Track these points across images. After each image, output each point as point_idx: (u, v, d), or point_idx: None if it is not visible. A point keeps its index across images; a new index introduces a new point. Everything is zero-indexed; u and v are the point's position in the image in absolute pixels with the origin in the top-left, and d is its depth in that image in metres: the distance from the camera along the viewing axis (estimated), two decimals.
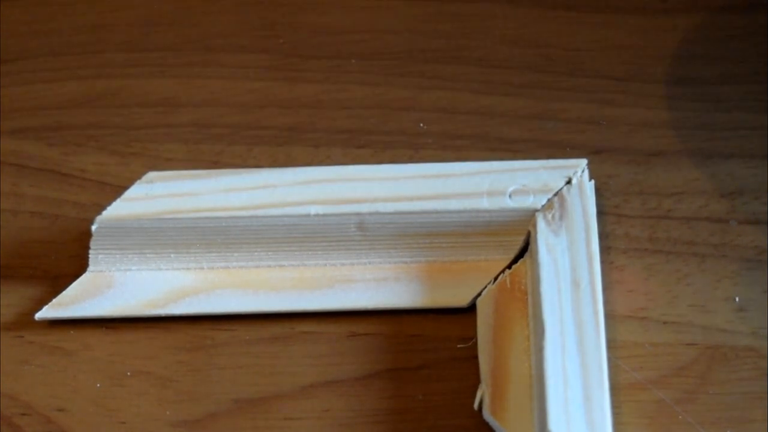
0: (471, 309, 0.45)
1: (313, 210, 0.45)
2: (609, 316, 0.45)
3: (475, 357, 0.44)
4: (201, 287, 0.46)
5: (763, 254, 0.46)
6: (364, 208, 0.45)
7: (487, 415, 0.43)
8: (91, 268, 0.46)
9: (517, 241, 0.45)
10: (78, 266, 0.47)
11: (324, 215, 0.45)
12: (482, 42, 0.52)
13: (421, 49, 0.52)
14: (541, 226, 0.44)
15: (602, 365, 0.41)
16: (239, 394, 0.45)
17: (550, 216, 0.45)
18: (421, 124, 0.50)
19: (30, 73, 0.52)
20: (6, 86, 0.52)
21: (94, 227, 0.45)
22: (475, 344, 0.44)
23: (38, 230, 0.48)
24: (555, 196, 0.45)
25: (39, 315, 0.46)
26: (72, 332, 0.46)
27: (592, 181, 0.45)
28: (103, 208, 0.45)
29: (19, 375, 0.45)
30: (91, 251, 0.46)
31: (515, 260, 0.46)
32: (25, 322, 0.46)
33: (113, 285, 0.46)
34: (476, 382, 0.44)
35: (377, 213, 0.45)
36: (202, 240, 0.46)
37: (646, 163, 0.48)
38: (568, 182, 0.45)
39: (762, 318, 0.45)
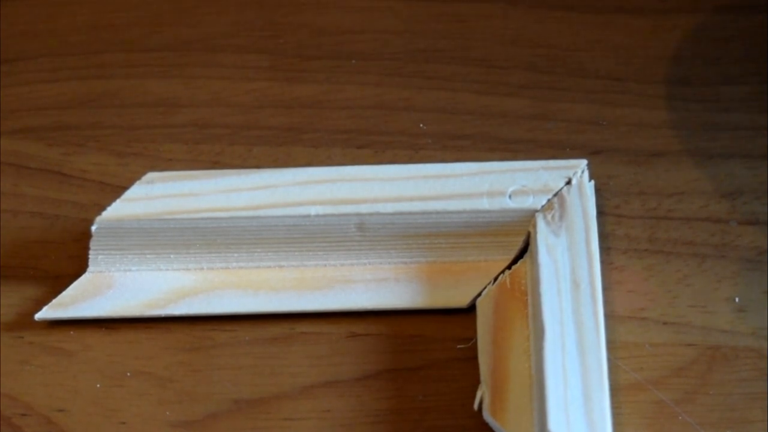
0: (471, 309, 0.45)
1: (313, 210, 0.45)
2: (609, 317, 0.45)
3: (475, 357, 0.44)
4: (201, 288, 0.46)
5: (764, 255, 0.46)
6: (364, 208, 0.45)
7: (487, 415, 0.43)
8: (91, 268, 0.46)
9: (517, 242, 0.45)
10: (78, 266, 0.47)
11: (324, 215, 0.45)
12: (482, 42, 0.52)
13: (421, 49, 0.52)
14: (541, 226, 0.44)
15: (602, 366, 0.41)
16: (239, 395, 0.45)
17: (550, 216, 0.45)
18: (421, 124, 0.50)
19: (30, 73, 0.52)
20: (6, 86, 0.52)
21: (94, 227, 0.45)
22: (475, 344, 0.44)
23: (38, 230, 0.48)
24: (555, 196, 0.45)
25: (39, 315, 0.46)
26: (72, 332, 0.46)
27: (592, 182, 0.45)
28: (103, 208, 0.45)
29: (19, 375, 0.45)
30: (91, 251, 0.46)
31: (515, 261, 0.46)
32: (25, 322, 0.46)
33: (113, 285, 0.46)
34: (476, 382, 0.44)
35: (377, 213, 0.45)
36: (202, 240, 0.46)
37: (646, 163, 0.48)
38: (568, 183, 0.45)
39: (762, 318, 0.45)
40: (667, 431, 0.43)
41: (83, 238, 0.47)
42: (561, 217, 0.44)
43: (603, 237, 0.46)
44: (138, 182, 0.46)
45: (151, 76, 0.52)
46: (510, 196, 0.45)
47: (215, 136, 0.50)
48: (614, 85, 0.51)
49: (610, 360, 0.43)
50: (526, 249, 0.45)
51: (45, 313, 0.46)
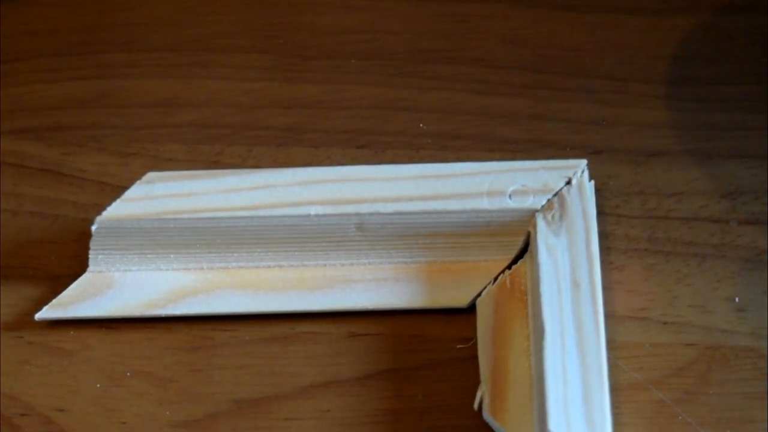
0: (471, 309, 0.45)
1: (313, 210, 0.45)
2: (609, 317, 0.45)
3: (475, 357, 0.44)
4: (201, 287, 0.46)
5: (763, 254, 0.46)
6: (364, 208, 0.45)
7: (487, 415, 0.43)
8: (91, 268, 0.46)
9: (517, 242, 0.45)
10: (78, 266, 0.47)
11: (324, 215, 0.45)
12: (482, 42, 0.52)
13: (421, 49, 0.52)
14: (541, 226, 0.44)
15: (602, 365, 0.41)
16: (239, 395, 0.45)
17: (550, 216, 0.45)
18: (421, 124, 0.50)
19: (30, 73, 0.52)
20: (6, 86, 0.52)
21: (94, 227, 0.45)
22: (475, 344, 0.44)
23: (38, 230, 0.48)
24: (555, 196, 0.45)
25: (39, 315, 0.46)
26: (72, 332, 0.46)
27: (592, 182, 0.45)
28: (103, 208, 0.45)
29: (19, 375, 0.45)
30: (91, 251, 0.46)
31: (515, 260, 0.46)
32: (25, 322, 0.46)
33: (113, 285, 0.46)
34: (476, 382, 0.44)
35: (377, 213, 0.45)
36: (202, 240, 0.46)
37: (646, 163, 0.48)
38: (568, 182, 0.45)
39: (762, 318, 0.45)
40: (667, 431, 0.43)
41: (83, 238, 0.47)
42: (561, 217, 0.44)
43: (603, 237, 0.46)
44: (138, 182, 0.46)
45: (151, 76, 0.52)
46: (510, 196, 0.45)
47: (215, 136, 0.50)
48: (614, 85, 0.51)
49: (610, 360, 0.43)
50: (526, 249, 0.45)
51: (45, 313, 0.46)
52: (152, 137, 0.50)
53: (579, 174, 0.45)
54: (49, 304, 0.46)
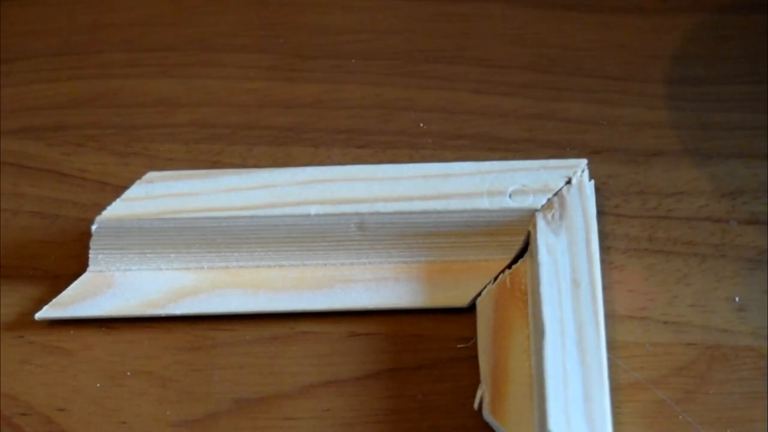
0: (471, 309, 0.45)
1: (313, 210, 0.45)
2: (609, 316, 0.45)
3: (475, 357, 0.44)
4: (201, 287, 0.46)
5: (763, 254, 0.46)
6: (364, 208, 0.45)
7: (487, 415, 0.43)
8: (91, 268, 0.46)
9: (517, 241, 0.45)
10: (78, 266, 0.47)
11: (324, 215, 0.45)
12: (482, 42, 0.52)
13: (421, 49, 0.52)
14: (541, 226, 0.44)
15: (602, 365, 0.41)
16: (239, 394, 0.45)
17: (550, 216, 0.45)
18: (421, 124, 0.50)
19: (30, 73, 0.52)
20: (6, 86, 0.52)
21: (94, 227, 0.45)
22: (475, 344, 0.44)
23: (38, 230, 0.48)
24: (555, 196, 0.45)
25: (39, 315, 0.46)
26: (72, 332, 0.46)
27: (592, 181, 0.45)
28: (103, 208, 0.45)
29: (19, 375, 0.45)
30: (91, 251, 0.46)
31: (515, 260, 0.46)
32: (25, 322, 0.46)
33: (113, 285, 0.46)
34: (476, 382, 0.44)
35: (377, 213, 0.45)
36: (202, 240, 0.46)
37: (646, 163, 0.48)
38: (568, 182, 0.45)
39: (762, 318, 0.45)
40: (667, 431, 0.43)
41: (83, 238, 0.47)
42: (561, 217, 0.44)
43: (603, 236, 0.46)
44: (138, 182, 0.46)
45: (151, 76, 0.52)
46: (510, 196, 0.45)
47: (215, 136, 0.50)
48: (614, 85, 0.51)
49: (610, 359, 0.43)
50: (526, 248, 0.45)
51: (45, 312, 0.46)
52: (152, 137, 0.50)
53: (579, 174, 0.45)
54: (49, 303, 0.46)
